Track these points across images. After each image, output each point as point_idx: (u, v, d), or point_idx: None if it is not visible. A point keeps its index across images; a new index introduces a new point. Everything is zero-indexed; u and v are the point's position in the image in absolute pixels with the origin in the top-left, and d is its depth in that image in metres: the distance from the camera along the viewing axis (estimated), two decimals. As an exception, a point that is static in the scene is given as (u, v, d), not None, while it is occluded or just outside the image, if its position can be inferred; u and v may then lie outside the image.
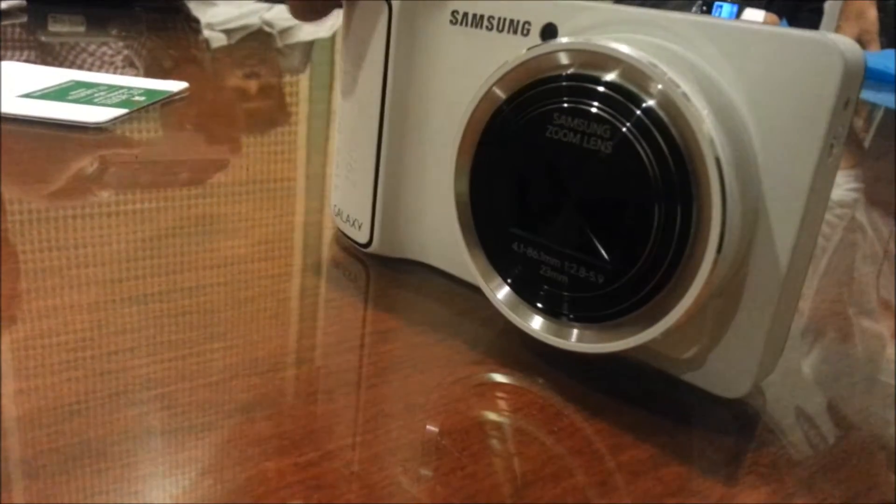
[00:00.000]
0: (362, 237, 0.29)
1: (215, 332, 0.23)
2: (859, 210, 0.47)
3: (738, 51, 0.19)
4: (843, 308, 0.31)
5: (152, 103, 0.47)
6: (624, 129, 0.19)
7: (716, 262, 0.18)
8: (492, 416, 0.21)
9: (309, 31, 0.92)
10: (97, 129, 0.42)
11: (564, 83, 0.20)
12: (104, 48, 0.69)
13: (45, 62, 0.58)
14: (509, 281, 0.23)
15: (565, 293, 0.21)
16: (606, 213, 0.20)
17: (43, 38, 0.70)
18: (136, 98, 0.47)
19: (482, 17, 0.25)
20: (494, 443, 0.19)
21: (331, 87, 0.68)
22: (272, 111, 0.57)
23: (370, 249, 0.29)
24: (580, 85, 0.20)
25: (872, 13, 1.34)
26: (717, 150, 0.18)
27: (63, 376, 0.20)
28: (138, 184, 0.35)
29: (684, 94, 0.18)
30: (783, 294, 0.20)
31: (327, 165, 0.44)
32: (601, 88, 0.20)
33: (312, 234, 0.32)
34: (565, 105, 0.20)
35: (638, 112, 0.19)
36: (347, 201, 0.30)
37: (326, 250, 0.31)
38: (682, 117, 0.18)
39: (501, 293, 0.23)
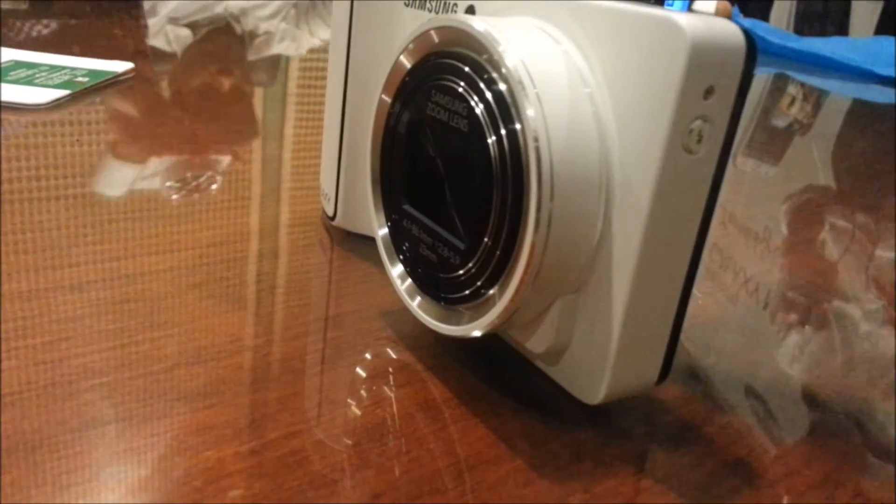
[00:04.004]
0: (330, 210, 0.30)
1: (157, 321, 0.22)
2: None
3: (599, 34, 0.18)
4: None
5: (96, 84, 0.46)
6: (477, 110, 0.19)
7: (531, 253, 0.18)
8: (431, 401, 0.21)
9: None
10: (37, 110, 0.40)
11: (440, 60, 0.20)
12: (47, 26, 0.66)
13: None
14: (401, 258, 0.23)
15: (434, 273, 0.21)
16: (463, 193, 0.20)
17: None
18: (79, 79, 0.46)
19: None
20: (434, 430, 0.20)
21: (286, 72, 0.67)
22: (226, 93, 0.56)
23: (335, 222, 0.30)
24: (450, 62, 0.20)
25: None
26: (540, 139, 0.17)
27: (-3, 367, 0.19)
28: (79, 168, 0.34)
29: (520, 82, 0.18)
30: (635, 297, 0.18)
31: (283, 149, 0.43)
32: (464, 67, 0.19)
33: (268, 217, 0.32)
34: (439, 82, 0.20)
35: (488, 94, 0.18)
36: (324, 176, 0.31)
37: (284, 234, 0.31)
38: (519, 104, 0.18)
39: (397, 271, 0.23)
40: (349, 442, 0.19)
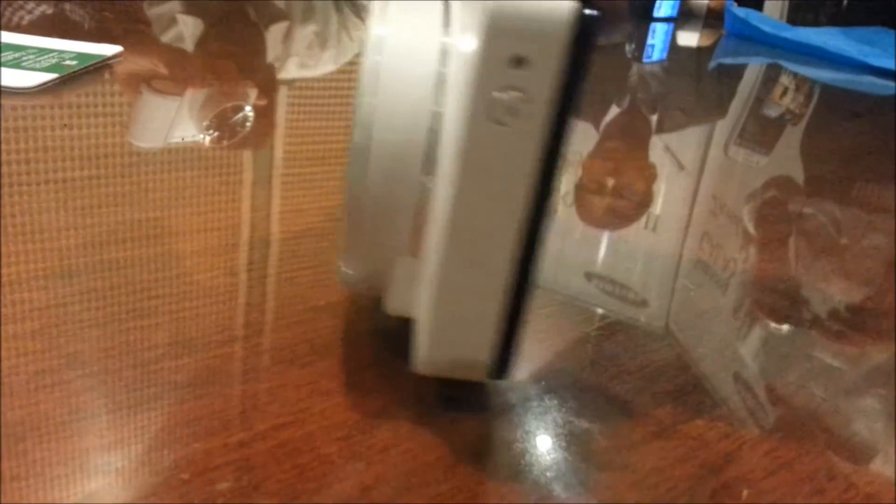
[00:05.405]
0: None
1: (146, 309, 0.22)
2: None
3: (470, 19, 0.18)
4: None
5: (84, 68, 0.45)
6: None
7: None
8: (420, 394, 0.21)
9: None
10: (24, 94, 0.40)
11: None
12: (37, 7, 0.65)
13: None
14: None
15: None
16: None
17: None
18: (67, 62, 0.45)
19: None
20: (424, 422, 0.19)
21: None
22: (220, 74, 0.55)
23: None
24: None
25: None
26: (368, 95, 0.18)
27: (-19, 356, 0.19)
28: (67, 151, 0.34)
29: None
30: (448, 269, 0.18)
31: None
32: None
33: (259, 206, 0.32)
34: None
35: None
36: None
37: (275, 221, 0.30)
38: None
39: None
40: (339, 434, 0.18)
